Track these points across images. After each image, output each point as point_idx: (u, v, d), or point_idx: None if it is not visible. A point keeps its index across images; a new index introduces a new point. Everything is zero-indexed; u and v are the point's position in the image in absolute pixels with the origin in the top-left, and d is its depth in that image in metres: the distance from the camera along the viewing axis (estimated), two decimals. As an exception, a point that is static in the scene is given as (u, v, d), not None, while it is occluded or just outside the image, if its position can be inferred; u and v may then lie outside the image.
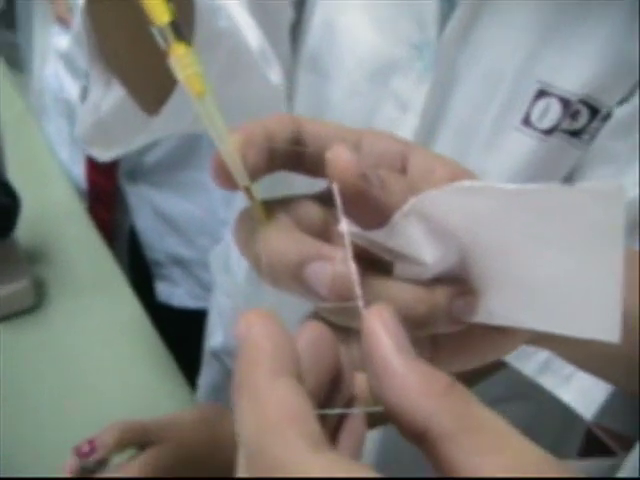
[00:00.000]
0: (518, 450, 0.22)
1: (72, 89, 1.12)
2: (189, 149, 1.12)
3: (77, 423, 0.79)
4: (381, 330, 0.25)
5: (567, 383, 0.69)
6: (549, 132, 0.64)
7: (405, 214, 0.29)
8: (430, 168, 0.33)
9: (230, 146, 0.29)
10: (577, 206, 0.27)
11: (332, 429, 0.27)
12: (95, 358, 0.87)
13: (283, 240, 0.29)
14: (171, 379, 0.86)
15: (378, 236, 0.30)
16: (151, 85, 0.58)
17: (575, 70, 0.61)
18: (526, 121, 0.64)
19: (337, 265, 0.28)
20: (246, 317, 0.25)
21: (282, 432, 0.22)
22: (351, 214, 0.29)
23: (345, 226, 0.29)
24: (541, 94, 0.63)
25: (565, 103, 0.62)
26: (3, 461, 0.74)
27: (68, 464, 0.66)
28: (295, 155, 0.32)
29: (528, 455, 0.22)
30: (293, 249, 0.29)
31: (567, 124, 0.64)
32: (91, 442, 0.66)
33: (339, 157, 0.28)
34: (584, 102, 0.62)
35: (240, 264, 0.92)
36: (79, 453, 0.65)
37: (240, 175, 0.29)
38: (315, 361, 0.26)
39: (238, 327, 0.25)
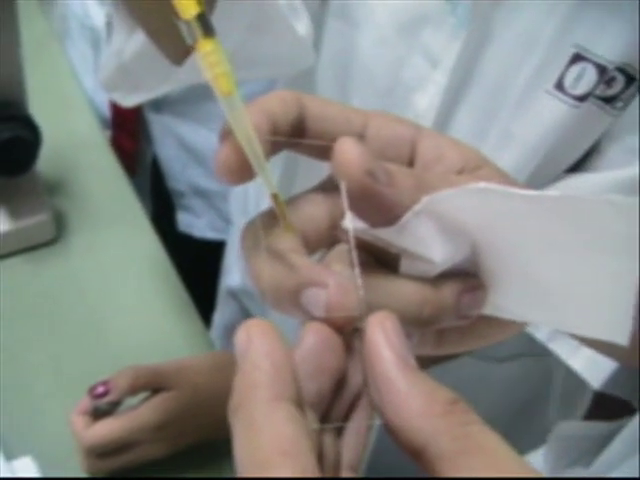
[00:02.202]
0: (516, 475, 0.22)
1: (98, 16, 1.10)
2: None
3: (93, 354, 0.80)
4: (383, 342, 0.25)
5: (577, 351, 0.69)
6: (582, 98, 0.62)
7: (416, 213, 0.28)
8: (440, 153, 0.32)
9: (259, 150, 0.28)
10: (596, 216, 0.27)
11: (341, 418, 0.28)
12: (113, 291, 0.88)
13: (275, 269, 0.28)
14: (186, 316, 0.87)
15: (386, 234, 0.29)
16: (176, 36, 0.57)
17: (613, 37, 0.59)
18: (559, 86, 0.62)
19: (331, 290, 0.27)
20: (246, 328, 0.25)
21: (273, 468, 0.22)
22: (357, 211, 0.28)
23: (350, 225, 0.28)
24: (576, 59, 0.61)
25: (601, 70, 0.60)
26: (20, 391, 0.76)
27: (81, 404, 0.68)
28: (298, 137, 0.31)
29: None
30: (285, 278, 0.28)
31: (601, 90, 0.62)
32: (105, 384, 0.67)
33: (345, 152, 0.27)
34: (621, 69, 0.60)
35: (258, 207, 0.92)
36: (93, 394, 0.67)
37: (267, 181, 0.29)
38: (318, 366, 0.26)
39: (238, 338, 0.25)
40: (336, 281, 0.27)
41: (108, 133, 1.16)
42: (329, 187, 0.31)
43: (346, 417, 0.28)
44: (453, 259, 0.30)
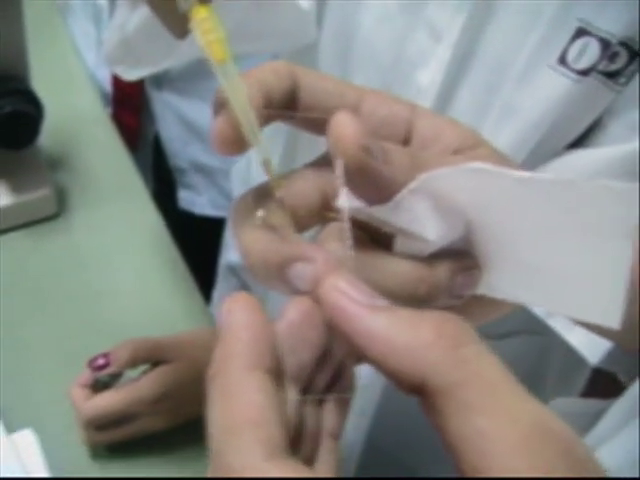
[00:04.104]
0: (509, 412, 0.21)
1: (99, -9, 1.09)
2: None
3: (94, 329, 0.81)
4: (343, 302, 0.25)
5: (575, 327, 0.69)
6: (585, 73, 0.62)
7: (412, 190, 0.28)
8: (437, 132, 0.32)
9: (252, 116, 0.28)
10: (591, 201, 0.27)
11: (324, 388, 0.28)
12: (114, 266, 0.88)
13: (264, 242, 0.28)
14: (186, 292, 0.87)
15: (380, 211, 0.29)
16: (179, 9, 0.57)
17: (617, 10, 0.59)
18: (562, 60, 0.62)
19: (318, 265, 0.27)
20: (229, 302, 0.26)
21: (240, 436, 0.23)
22: (352, 187, 0.28)
23: (345, 203, 0.28)
24: (580, 33, 0.60)
25: (604, 44, 0.60)
26: (21, 365, 0.76)
27: (81, 377, 0.68)
28: (290, 109, 0.31)
29: (520, 418, 0.21)
30: (274, 252, 0.28)
31: (604, 65, 0.61)
32: (106, 356, 0.68)
33: (341, 127, 0.27)
34: (624, 44, 0.60)
35: (260, 180, 0.91)
36: (93, 366, 0.67)
37: (260, 147, 0.29)
38: (299, 340, 0.27)
39: (222, 310, 0.26)
40: (323, 256, 0.27)
41: (109, 109, 1.15)
42: (323, 164, 0.31)
43: (329, 386, 0.28)
44: (447, 238, 0.30)
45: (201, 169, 1.22)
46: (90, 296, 0.84)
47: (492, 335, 0.84)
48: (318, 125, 0.30)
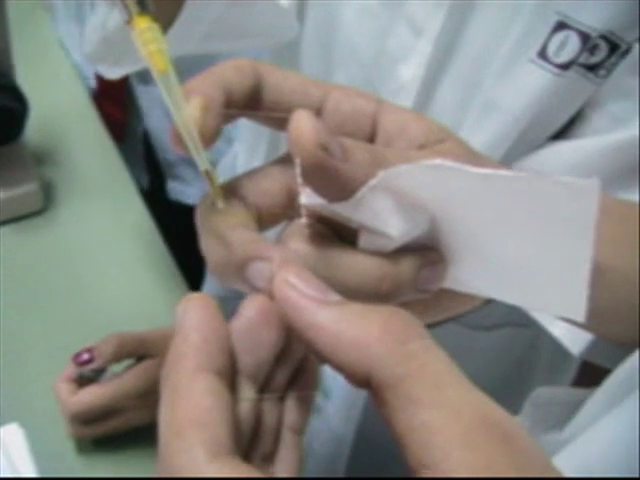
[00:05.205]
0: (453, 405, 0.22)
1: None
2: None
3: (80, 323, 0.81)
4: (293, 295, 0.25)
5: (558, 318, 0.69)
6: (565, 67, 0.62)
7: (372, 188, 0.28)
8: (402, 127, 0.32)
9: (193, 128, 0.28)
10: (550, 197, 0.27)
11: (284, 384, 0.29)
12: (101, 261, 0.88)
13: (225, 243, 0.29)
14: (173, 286, 0.87)
15: (342, 208, 0.29)
16: (157, 8, 0.57)
17: (596, 4, 0.59)
18: (542, 54, 0.62)
19: (276, 263, 0.27)
20: (184, 301, 0.26)
21: (184, 437, 0.23)
22: (312, 185, 0.28)
23: (304, 201, 0.28)
24: (560, 27, 0.61)
25: (584, 38, 0.60)
26: (7, 359, 0.76)
27: (66, 372, 0.68)
28: (254, 106, 0.31)
29: (463, 410, 0.22)
30: (233, 252, 0.28)
31: (584, 58, 0.62)
32: (90, 351, 0.68)
33: (298, 126, 0.27)
34: (604, 37, 0.60)
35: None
36: (77, 361, 0.68)
37: (201, 158, 0.29)
38: (255, 339, 0.27)
39: (177, 310, 0.26)
40: (280, 254, 0.27)
41: (95, 104, 1.15)
42: (288, 160, 0.31)
43: (291, 382, 0.29)
44: (411, 234, 0.30)
45: (190, 161, 1.21)
46: (77, 291, 0.84)
47: (479, 327, 0.85)
48: (282, 122, 0.30)
